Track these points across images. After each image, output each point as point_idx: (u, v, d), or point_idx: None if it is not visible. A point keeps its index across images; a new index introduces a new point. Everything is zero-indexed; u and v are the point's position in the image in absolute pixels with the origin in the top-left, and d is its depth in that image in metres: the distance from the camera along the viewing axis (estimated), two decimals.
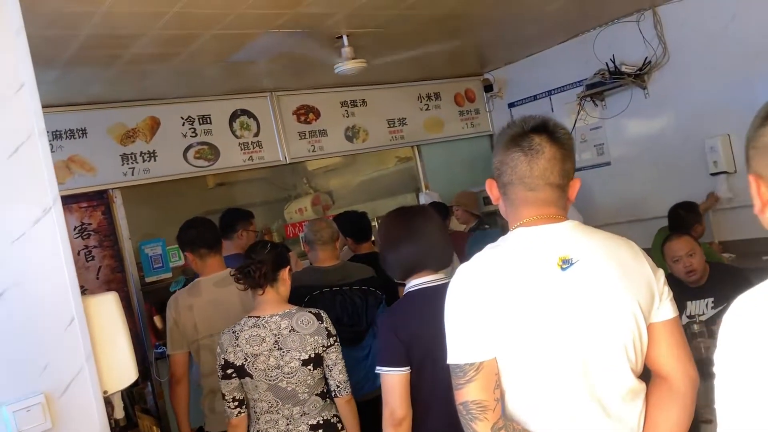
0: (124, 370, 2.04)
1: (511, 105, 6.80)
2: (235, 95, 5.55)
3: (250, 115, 5.64)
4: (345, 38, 4.37)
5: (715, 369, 1.00)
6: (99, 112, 4.93)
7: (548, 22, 5.23)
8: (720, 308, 3.41)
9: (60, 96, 4.59)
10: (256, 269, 2.65)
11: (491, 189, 1.73)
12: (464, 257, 5.08)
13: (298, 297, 3.45)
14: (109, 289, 4.89)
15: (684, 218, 4.64)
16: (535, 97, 6.51)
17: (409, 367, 2.18)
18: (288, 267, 2.80)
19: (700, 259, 3.51)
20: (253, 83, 5.44)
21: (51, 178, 2.05)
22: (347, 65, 4.38)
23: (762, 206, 1.08)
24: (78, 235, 4.85)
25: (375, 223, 7.23)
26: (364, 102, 6.25)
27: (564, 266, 1.55)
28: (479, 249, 1.64)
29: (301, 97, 5.89)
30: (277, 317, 2.66)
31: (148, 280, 5.11)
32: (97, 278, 4.89)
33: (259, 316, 2.67)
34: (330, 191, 8.22)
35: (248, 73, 5.06)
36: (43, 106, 4.62)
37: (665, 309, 1.61)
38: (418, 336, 2.17)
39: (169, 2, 3.25)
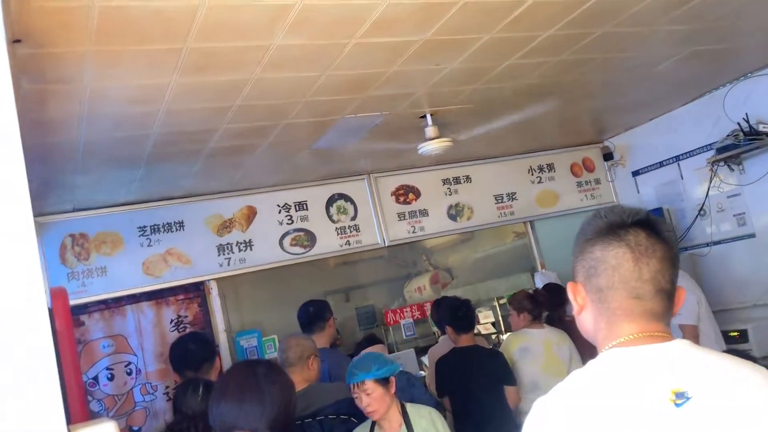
0: None
1: (635, 173, 6.17)
2: (332, 179, 5.44)
3: (347, 198, 5.49)
4: (428, 117, 4.12)
5: None
6: (196, 204, 4.99)
7: (668, 81, 4.67)
8: None
9: (156, 191, 4.69)
10: (187, 428, 2.41)
11: (576, 294, 1.35)
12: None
13: None
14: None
15: None
16: (661, 164, 5.85)
17: None
18: None
19: None
20: (349, 166, 5.30)
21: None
22: (431, 145, 4.10)
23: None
24: (174, 328, 4.84)
25: (497, 304, 6.77)
26: (468, 178, 5.92)
27: (678, 401, 1.15)
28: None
29: (399, 178, 5.67)
30: None
31: None
32: None
33: None
34: (449, 268, 7.88)
35: (341, 157, 4.93)
36: (140, 202, 4.75)
37: None
38: None
39: (228, 97, 3.16)
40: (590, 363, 1.26)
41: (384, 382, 2.93)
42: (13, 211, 1.85)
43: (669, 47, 3.88)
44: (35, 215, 4.35)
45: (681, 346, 1.23)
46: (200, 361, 3.10)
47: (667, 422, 1.12)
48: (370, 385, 2.88)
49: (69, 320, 2.34)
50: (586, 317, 1.34)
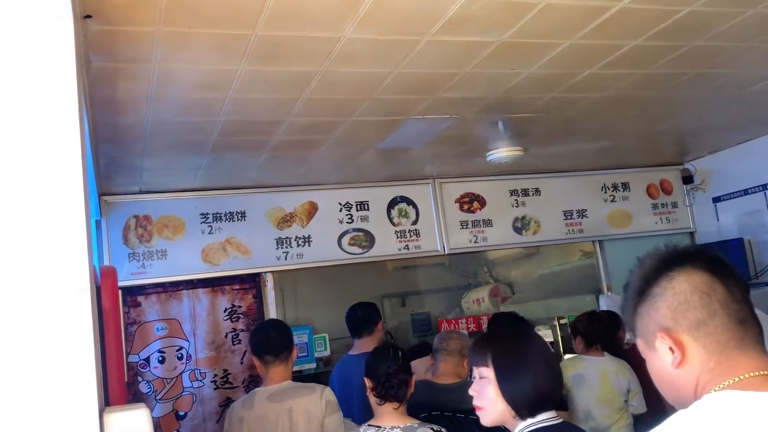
0: None
1: (716, 199, 5.84)
2: (396, 182, 5.36)
3: (409, 202, 5.39)
4: (500, 124, 3.97)
5: None
6: (259, 196, 4.99)
7: (762, 104, 4.37)
8: None
9: (221, 179, 4.70)
10: (400, 384, 2.49)
11: (674, 343, 1.14)
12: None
13: None
14: (251, 375, 4.83)
15: None
16: (746, 192, 5.51)
17: None
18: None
19: None
20: (414, 169, 5.20)
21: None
22: (501, 153, 3.96)
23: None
24: (228, 317, 4.85)
25: (557, 323, 6.53)
26: (537, 191, 5.72)
27: None
28: None
29: (465, 185, 5.54)
30: (398, 430, 2.46)
31: None
32: (242, 363, 4.82)
33: (379, 426, 2.48)
34: (511, 282, 7.65)
35: (407, 160, 4.83)
36: (205, 189, 4.78)
37: None
38: None
39: (296, 89, 3.11)
40: (699, 406, 1.06)
41: None
42: (65, 188, 1.81)
43: (766, 67, 3.61)
44: (101, 194, 4.42)
45: None
46: (280, 348, 3.09)
47: None
48: None
49: (116, 300, 2.32)
50: (688, 369, 1.13)
